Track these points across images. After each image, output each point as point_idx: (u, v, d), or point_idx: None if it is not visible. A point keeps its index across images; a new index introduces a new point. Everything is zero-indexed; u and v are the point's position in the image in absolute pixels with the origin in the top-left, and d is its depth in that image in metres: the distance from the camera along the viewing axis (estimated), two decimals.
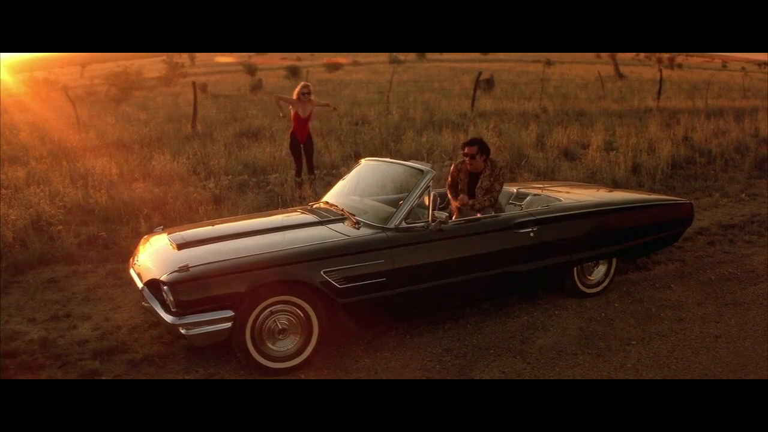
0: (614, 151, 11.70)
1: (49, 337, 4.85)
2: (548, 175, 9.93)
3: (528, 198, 5.75)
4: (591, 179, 9.61)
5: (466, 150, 5.55)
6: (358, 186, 5.58)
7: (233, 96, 24.62)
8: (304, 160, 9.31)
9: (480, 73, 19.97)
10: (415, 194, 4.73)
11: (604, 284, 5.66)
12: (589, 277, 5.59)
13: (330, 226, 4.81)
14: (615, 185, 9.27)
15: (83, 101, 22.51)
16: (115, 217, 7.70)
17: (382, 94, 18.85)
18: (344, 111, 17.42)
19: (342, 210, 5.04)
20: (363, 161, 5.87)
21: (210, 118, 16.50)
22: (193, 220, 7.18)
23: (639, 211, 5.77)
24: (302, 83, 9.40)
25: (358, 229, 4.68)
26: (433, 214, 4.66)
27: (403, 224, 4.62)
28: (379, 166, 5.61)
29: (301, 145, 9.24)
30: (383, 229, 4.59)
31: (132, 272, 4.81)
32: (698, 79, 33.32)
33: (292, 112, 9.19)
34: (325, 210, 5.20)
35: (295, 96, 9.14)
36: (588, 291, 5.57)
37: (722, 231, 7.54)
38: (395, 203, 4.88)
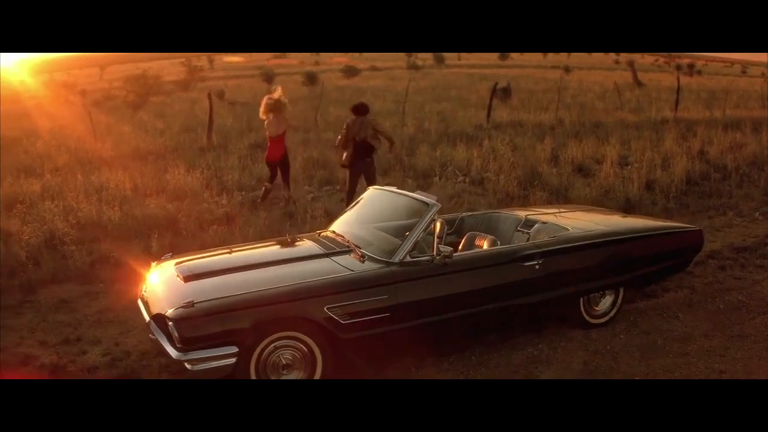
0: (628, 167, 11.64)
1: (60, 363, 4.93)
2: (561, 193, 9.88)
3: (535, 226, 5.73)
4: (604, 197, 9.56)
5: None
6: (365, 215, 5.62)
7: (250, 103, 24.71)
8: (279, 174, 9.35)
9: (496, 83, 19.92)
10: (419, 228, 4.74)
11: (611, 314, 5.63)
12: (595, 308, 5.56)
13: (334, 258, 4.85)
14: (628, 203, 9.23)
15: (101, 106, 22.79)
16: (127, 234, 7.78)
17: (398, 103, 18.85)
18: None
19: (348, 241, 5.08)
20: (370, 189, 5.93)
21: (226, 128, 16.59)
22: (204, 240, 7.28)
23: (647, 240, 5.73)
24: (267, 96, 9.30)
25: (363, 262, 4.71)
26: (438, 248, 4.66)
27: (408, 258, 4.64)
28: (386, 195, 5.64)
29: (275, 162, 9.29)
30: (387, 264, 4.61)
31: (140, 303, 4.89)
32: (717, 86, 33.02)
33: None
34: (332, 240, 5.25)
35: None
36: (594, 321, 5.54)
37: (734, 254, 7.46)
38: (402, 231, 4.90)
